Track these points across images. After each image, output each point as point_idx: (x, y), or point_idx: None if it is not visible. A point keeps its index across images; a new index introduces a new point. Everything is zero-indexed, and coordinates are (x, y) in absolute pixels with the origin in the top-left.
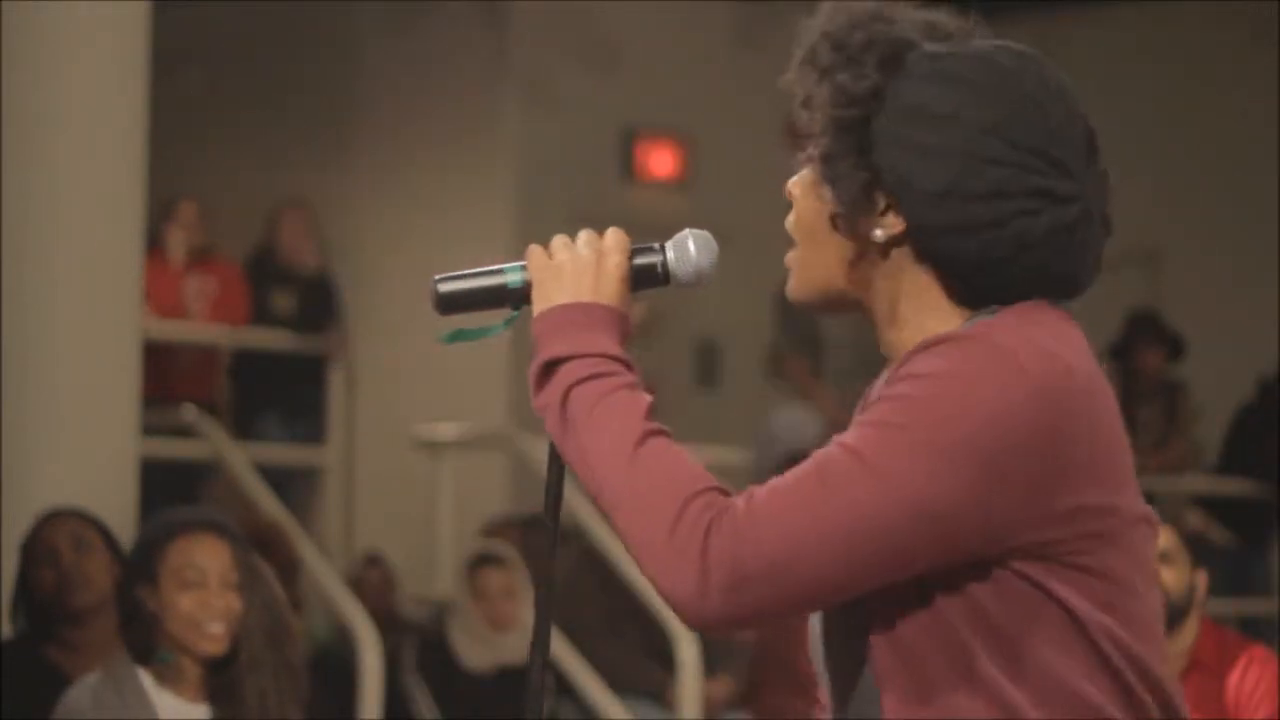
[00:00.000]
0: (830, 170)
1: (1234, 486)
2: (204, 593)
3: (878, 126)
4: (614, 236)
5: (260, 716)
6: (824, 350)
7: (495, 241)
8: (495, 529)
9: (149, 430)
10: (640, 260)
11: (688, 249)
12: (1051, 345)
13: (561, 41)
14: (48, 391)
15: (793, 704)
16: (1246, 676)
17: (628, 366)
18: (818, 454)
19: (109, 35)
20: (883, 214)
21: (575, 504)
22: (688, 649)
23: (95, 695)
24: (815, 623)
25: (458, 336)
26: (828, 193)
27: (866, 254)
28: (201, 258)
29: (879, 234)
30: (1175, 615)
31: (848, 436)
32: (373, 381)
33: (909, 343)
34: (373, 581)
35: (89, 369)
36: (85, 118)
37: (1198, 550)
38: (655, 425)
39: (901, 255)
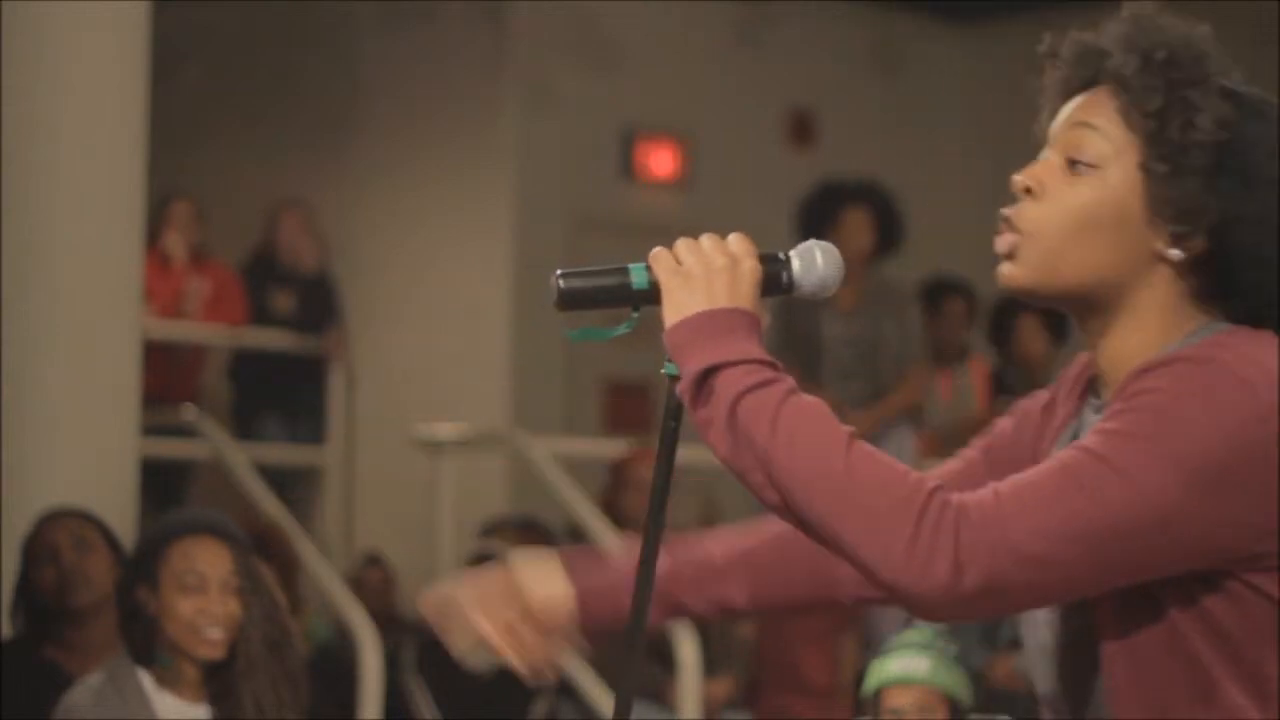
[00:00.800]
0: (1181, 188)
1: None
2: (203, 598)
3: (1227, 154)
4: (741, 242)
5: (258, 719)
6: (823, 351)
7: (495, 241)
8: (495, 529)
9: (149, 430)
10: (766, 269)
11: (814, 259)
12: (1275, 366)
13: (561, 41)
14: (48, 391)
15: (793, 704)
16: None
17: (780, 370)
18: (1060, 456)
19: (109, 35)
20: (1194, 236)
21: (574, 504)
22: (688, 649)
23: (96, 695)
24: (1042, 637)
25: (585, 335)
26: (1166, 209)
27: (1142, 265)
28: (197, 258)
29: (1177, 253)
30: None
31: (1090, 443)
32: (373, 381)
33: (1136, 351)
34: (373, 581)
35: (89, 369)
36: (85, 117)
37: None
38: (849, 428)
39: (1170, 268)
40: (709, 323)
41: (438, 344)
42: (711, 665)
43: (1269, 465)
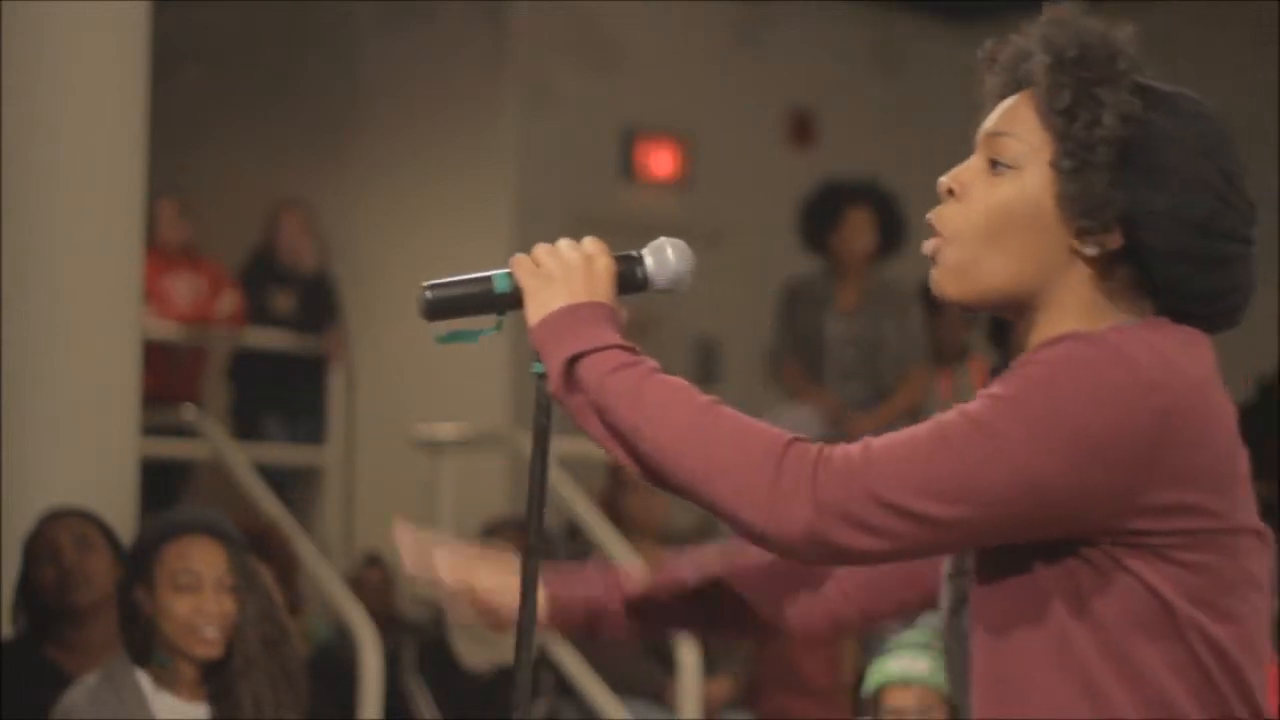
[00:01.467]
0: (1086, 184)
1: None
2: (199, 597)
3: (1135, 152)
4: (594, 243)
5: (256, 719)
6: (824, 351)
7: (495, 241)
8: (495, 529)
9: (149, 430)
10: (621, 268)
11: (666, 256)
12: (1173, 353)
13: (561, 41)
14: (48, 391)
15: (793, 704)
16: None
17: (640, 354)
18: (938, 416)
19: (109, 35)
20: (1105, 231)
21: (574, 504)
22: (688, 649)
23: (93, 696)
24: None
25: (452, 338)
26: (1073, 205)
27: (1061, 261)
28: (188, 255)
29: (1093, 249)
30: None
31: (969, 405)
32: (373, 381)
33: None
34: (373, 581)
35: (89, 369)
36: (85, 117)
37: None
38: (711, 397)
39: (1090, 265)
40: (570, 316)
41: (441, 345)
42: (711, 665)
43: (1145, 441)
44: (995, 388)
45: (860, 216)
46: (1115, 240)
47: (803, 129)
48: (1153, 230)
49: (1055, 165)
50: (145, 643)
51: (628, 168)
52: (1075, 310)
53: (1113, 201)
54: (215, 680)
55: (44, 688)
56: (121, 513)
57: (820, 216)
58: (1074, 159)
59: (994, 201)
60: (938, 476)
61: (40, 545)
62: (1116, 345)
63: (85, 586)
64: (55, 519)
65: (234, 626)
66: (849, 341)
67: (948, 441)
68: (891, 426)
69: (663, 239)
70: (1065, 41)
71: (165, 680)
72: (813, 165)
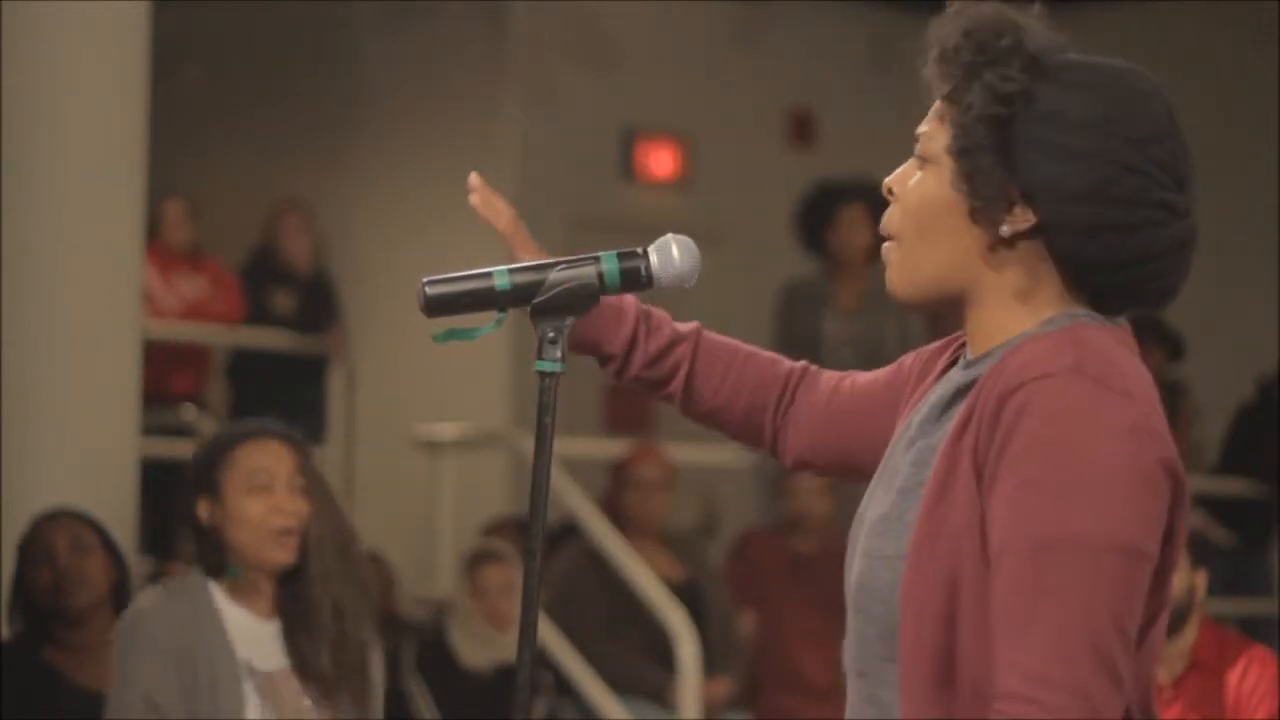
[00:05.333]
0: (971, 165)
1: (1234, 487)
2: (272, 496)
3: (1021, 127)
4: None
5: (334, 628)
6: (823, 351)
7: (495, 241)
8: (495, 529)
9: (149, 430)
10: (625, 264)
11: (670, 253)
12: (1134, 370)
13: (561, 41)
14: (48, 391)
15: (793, 704)
16: (1246, 676)
17: None
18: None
19: (109, 35)
20: (1011, 210)
21: (574, 504)
22: (688, 649)
23: (166, 600)
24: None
25: (450, 335)
26: (965, 186)
27: (984, 247)
28: (191, 256)
29: (1006, 229)
30: (1176, 617)
31: (1010, 537)
32: (373, 381)
33: (997, 329)
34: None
35: (89, 369)
36: (85, 118)
37: (1197, 550)
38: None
39: (1018, 249)
40: None
41: (438, 344)
42: (711, 665)
43: (1165, 474)
44: (1010, 477)
45: (855, 214)
46: (1024, 220)
47: (802, 129)
48: (1047, 203)
49: (948, 151)
50: (218, 556)
51: (628, 168)
52: (1006, 298)
53: (998, 178)
54: (289, 590)
55: (41, 689)
56: (121, 513)
57: (815, 216)
58: (958, 142)
59: (916, 194)
60: (1069, 640)
61: (35, 547)
62: (1098, 378)
63: (80, 589)
64: (50, 520)
65: (308, 532)
66: (848, 342)
67: (1044, 591)
68: None
69: (669, 236)
70: (948, 30)
71: (239, 592)
72: (812, 165)
